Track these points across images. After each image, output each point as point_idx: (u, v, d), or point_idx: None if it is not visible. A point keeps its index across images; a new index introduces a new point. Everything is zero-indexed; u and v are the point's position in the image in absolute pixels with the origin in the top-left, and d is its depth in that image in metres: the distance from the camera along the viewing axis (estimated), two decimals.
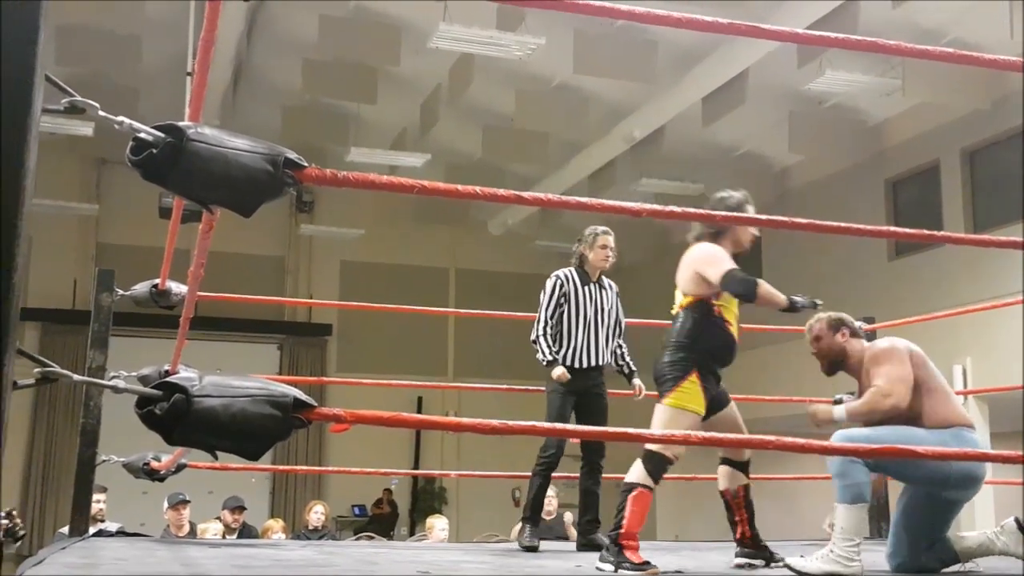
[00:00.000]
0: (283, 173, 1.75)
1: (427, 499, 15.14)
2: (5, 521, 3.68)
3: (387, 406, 1.89)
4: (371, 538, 6.34)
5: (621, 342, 4.72)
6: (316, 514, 7.72)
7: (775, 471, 10.93)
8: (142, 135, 1.70)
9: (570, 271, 4.67)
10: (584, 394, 4.54)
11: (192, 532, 6.70)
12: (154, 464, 4.14)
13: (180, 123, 1.74)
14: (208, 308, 11.78)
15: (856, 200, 11.17)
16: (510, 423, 1.98)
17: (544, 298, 4.64)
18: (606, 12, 2.06)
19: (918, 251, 10.42)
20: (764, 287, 3.40)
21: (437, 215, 14.59)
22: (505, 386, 6.17)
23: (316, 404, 1.82)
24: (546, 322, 4.57)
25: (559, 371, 4.46)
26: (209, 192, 1.75)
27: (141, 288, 4.21)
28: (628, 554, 3.27)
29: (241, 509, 7.29)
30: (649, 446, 3.36)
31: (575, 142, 11.92)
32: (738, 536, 3.61)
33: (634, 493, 3.33)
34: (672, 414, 3.39)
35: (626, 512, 3.30)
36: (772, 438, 2.19)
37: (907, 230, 2.50)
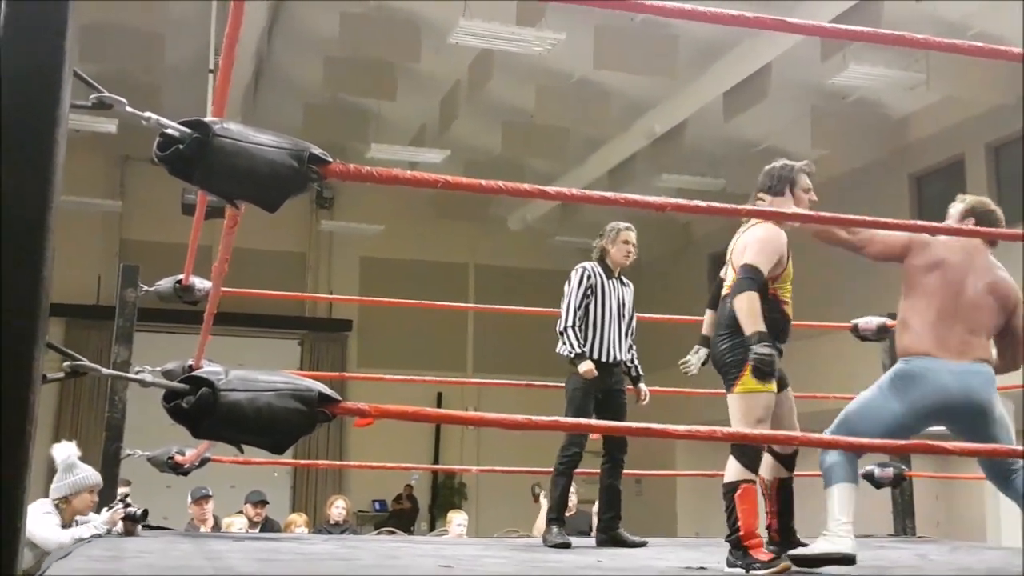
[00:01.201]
0: (308, 168, 1.75)
1: (447, 494, 15.17)
2: (127, 508, 3.76)
3: (407, 401, 1.90)
4: (392, 533, 6.36)
5: (632, 342, 4.67)
6: (337, 508, 7.75)
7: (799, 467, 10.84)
8: (169, 131, 1.71)
9: (595, 264, 4.61)
10: (607, 391, 4.49)
11: (216, 526, 6.74)
12: (178, 458, 4.17)
13: (206, 119, 1.75)
14: (229, 304, 11.77)
15: (880, 195, 11.09)
16: (534, 418, 1.97)
17: (571, 289, 4.57)
18: (629, 6, 2.05)
19: None
20: (747, 301, 3.24)
21: (456, 211, 14.60)
22: (524, 382, 6.16)
23: (340, 398, 1.82)
24: (575, 313, 4.49)
25: (587, 365, 4.38)
26: (235, 187, 1.75)
27: (165, 284, 4.24)
28: (754, 553, 3.17)
29: (263, 503, 7.32)
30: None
31: (595, 138, 11.89)
32: (766, 527, 3.56)
33: (739, 492, 3.22)
34: (746, 401, 3.25)
35: (737, 512, 3.20)
36: (814, 436, 2.18)
37: (933, 224, 2.48)
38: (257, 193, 1.75)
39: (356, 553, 3.63)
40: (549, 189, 2.19)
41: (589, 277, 4.53)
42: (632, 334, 4.66)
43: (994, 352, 3.45)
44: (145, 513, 3.84)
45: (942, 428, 3.46)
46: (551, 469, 6.79)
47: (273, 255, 14.76)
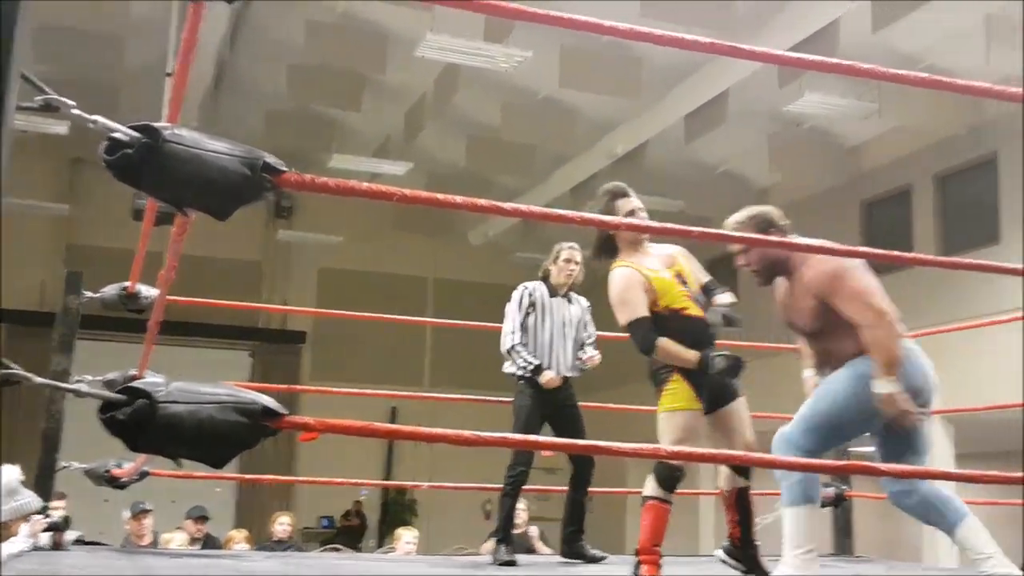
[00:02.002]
0: (261, 177, 1.73)
1: (397, 511, 15.02)
2: (47, 518, 3.62)
3: (361, 416, 1.87)
4: (337, 550, 6.28)
5: (592, 353, 4.65)
6: (281, 525, 7.58)
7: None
8: (117, 135, 1.67)
9: (537, 284, 4.64)
10: (559, 406, 4.46)
11: (155, 542, 6.59)
12: (115, 471, 4.04)
13: (156, 124, 1.72)
14: (179, 313, 11.59)
15: (832, 221, 11.24)
16: (482, 434, 1.95)
17: (512, 307, 4.60)
18: (593, 27, 2.06)
19: (889, 272, 10.49)
20: (664, 346, 3.33)
21: (417, 224, 14.56)
22: (481, 397, 6.12)
23: (286, 412, 1.79)
24: (520, 331, 4.52)
25: (549, 374, 4.39)
26: (184, 194, 1.72)
27: (110, 291, 4.11)
28: (642, 569, 3.26)
29: (204, 519, 7.17)
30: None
31: (559, 155, 11.94)
32: (728, 536, 3.58)
33: (644, 507, 3.33)
34: (665, 419, 3.37)
35: (641, 526, 3.31)
36: (755, 455, 2.19)
37: (883, 251, 2.51)
38: (207, 201, 1.72)
39: (297, 571, 3.57)
40: (505, 205, 2.18)
41: (530, 295, 4.56)
42: (590, 348, 4.66)
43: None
44: (67, 521, 3.72)
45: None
46: (501, 487, 6.75)
47: (228, 263, 14.57)
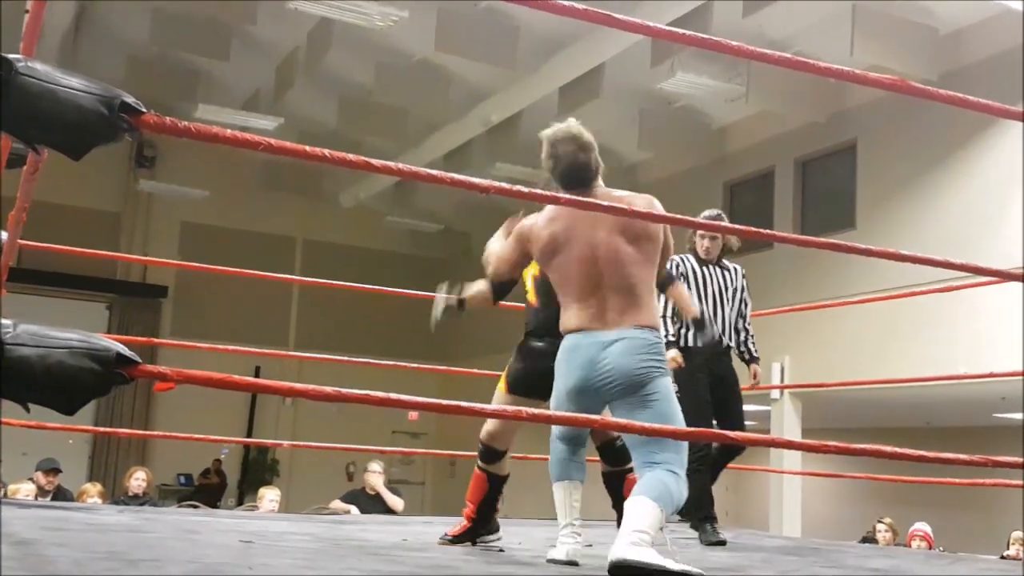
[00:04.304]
0: (119, 117, 1.68)
1: (258, 471, 14.85)
2: None
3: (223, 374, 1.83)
4: (195, 507, 6.17)
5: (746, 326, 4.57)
6: (137, 480, 7.41)
7: None
8: None
9: (688, 255, 4.53)
10: (716, 376, 4.36)
11: (4, 494, 6.33)
12: None
13: (9, 55, 1.65)
14: (33, 259, 11.12)
15: (697, 200, 11.58)
16: (343, 391, 1.96)
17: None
18: None
19: (749, 252, 10.96)
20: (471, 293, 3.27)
21: (287, 183, 14.26)
22: (346, 358, 6.11)
23: (140, 361, 1.76)
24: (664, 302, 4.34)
25: (672, 353, 4.21)
26: (36, 131, 1.66)
27: None
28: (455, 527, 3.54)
29: (56, 471, 6.94)
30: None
31: (433, 121, 11.89)
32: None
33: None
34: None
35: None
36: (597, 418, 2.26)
37: (749, 228, 2.64)
38: (60, 139, 1.67)
39: (151, 525, 3.51)
40: (376, 162, 2.17)
41: (678, 267, 4.42)
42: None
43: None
44: None
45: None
46: (365, 447, 6.74)
47: (85, 213, 13.98)
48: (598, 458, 3.58)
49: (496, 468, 3.53)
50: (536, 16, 9.00)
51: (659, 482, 2.72)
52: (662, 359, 2.92)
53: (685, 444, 2.88)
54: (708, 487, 4.27)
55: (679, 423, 2.91)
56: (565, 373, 2.95)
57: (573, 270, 2.98)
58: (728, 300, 4.46)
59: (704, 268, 4.46)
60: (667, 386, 2.91)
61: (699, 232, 4.47)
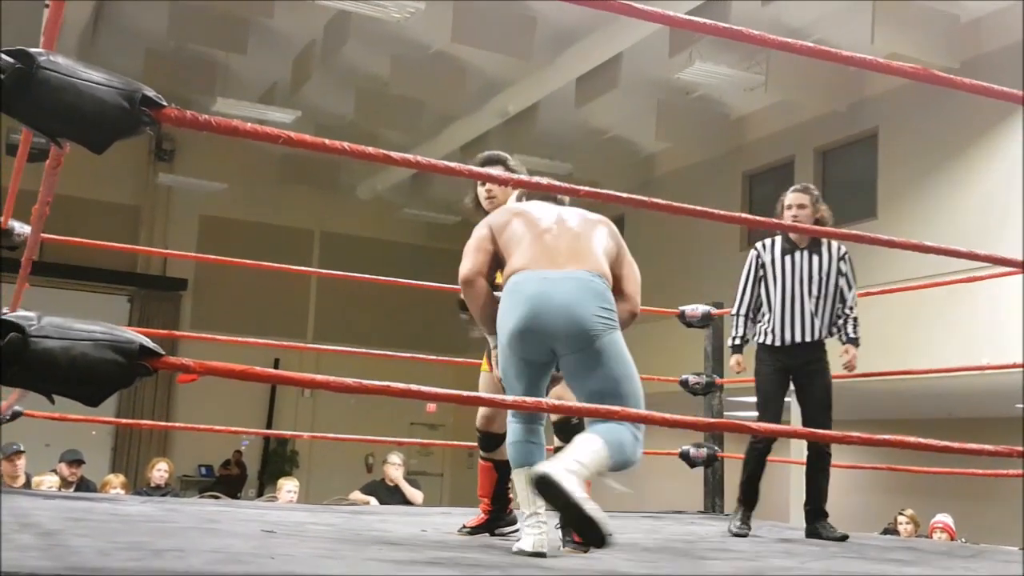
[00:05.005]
0: (140, 110, 1.69)
1: (278, 462, 14.93)
2: None
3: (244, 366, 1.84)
4: (216, 497, 6.22)
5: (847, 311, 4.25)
6: (159, 471, 7.49)
7: None
8: None
9: (773, 240, 4.27)
10: (799, 371, 4.15)
11: (28, 484, 6.41)
12: None
13: (31, 49, 1.66)
14: (55, 253, 11.22)
15: (715, 190, 11.58)
16: (364, 382, 1.97)
17: (742, 273, 4.31)
18: None
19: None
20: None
21: (305, 175, 14.30)
22: (364, 350, 6.13)
23: (163, 352, 1.77)
24: (738, 299, 4.27)
25: (736, 358, 4.20)
26: (58, 124, 1.67)
27: None
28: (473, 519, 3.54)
29: (79, 463, 7.01)
30: None
31: (449, 112, 11.88)
32: None
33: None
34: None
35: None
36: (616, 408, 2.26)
37: (768, 219, 2.63)
38: (83, 132, 1.67)
39: (173, 516, 3.54)
40: (394, 154, 2.18)
41: (758, 257, 4.25)
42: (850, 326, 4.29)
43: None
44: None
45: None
46: (385, 439, 6.77)
47: (105, 206, 14.06)
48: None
49: (498, 454, 3.48)
50: (553, 7, 8.98)
51: (618, 432, 2.62)
52: (614, 312, 2.78)
53: (641, 400, 2.73)
54: (758, 474, 4.22)
55: (635, 383, 2.77)
56: (507, 313, 2.78)
57: (523, 230, 2.92)
58: (813, 290, 4.14)
59: (786, 257, 4.18)
60: (619, 342, 2.76)
61: (785, 205, 4.19)
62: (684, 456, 5.45)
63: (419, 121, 11.72)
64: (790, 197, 4.24)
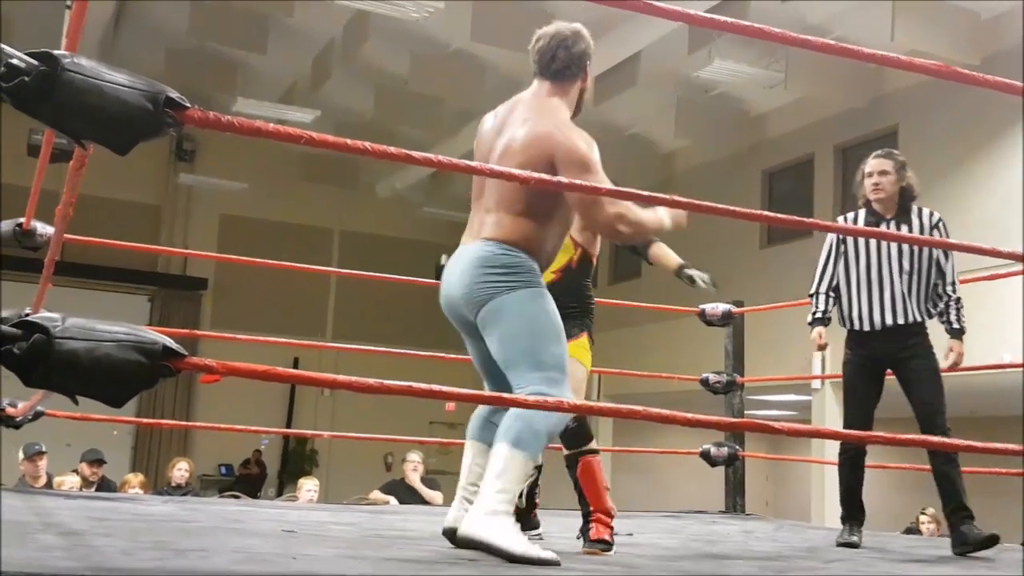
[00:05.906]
0: (163, 112, 1.69)
1: (297, 461, 14.99)
2: None
3: (262, 365, 1.84)
4: (237, 497, 6.25)
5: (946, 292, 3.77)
6: (180, 471, 7.53)
7: (642, 444, 11.26)
8: (14, 61, 1.62)
9: (857, 213, 3.84)
10: (893, 360, 3.72)
11: (49, 484, 6.46)
12: (9, 410, 3.95)
13: (56, 51, 1.67)
14: (76, 253, 11.28)
15: (734, 188, 11.53)
16: (386, 382, 1.97)
17: (823, 250, 3.87)
18: None
19: (787, 241, 10.85)
20: None
21: (324, 174, 14.35)
22: (385, 349, 6.13)
23: (186, 353, 1.78)
24: (817, 277, 3.86)
25: (817, 331, 3.81)
26: (82, 126, 1.68)
27: (4, 227, 3.97)
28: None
29: (100, 462, 7.06)
30: None
31: (468, 110, 11.87)
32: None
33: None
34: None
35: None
36: (639, 408, 2.25)
37: (788, 216, 2.60)
38: (107, 134, 1.68)
39: (195, 516, 3.55)
40: (415, 154, 2.17)
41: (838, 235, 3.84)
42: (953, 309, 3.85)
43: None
44: None
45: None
46: (404, 438, 6.75)
47: (126, 206, 14.15)
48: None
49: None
50: (571, 5, 8.94)
51: (515, 420, 2.41)
52: (508, 273, 2.54)
53: (545, 353, 2.49)
54: (854, 485, 3.79)
55: (538, 336, 2.50)
56: None
57: (475, 178, 2.76)
58: (904, 264, 3.66)
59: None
60: (513, 301, 2.51)
61: (866, 172, 3.76)
62: (705, 455, 5.43)
63: (438, 119, 11.74)
64: (871, 163, 3.80)
